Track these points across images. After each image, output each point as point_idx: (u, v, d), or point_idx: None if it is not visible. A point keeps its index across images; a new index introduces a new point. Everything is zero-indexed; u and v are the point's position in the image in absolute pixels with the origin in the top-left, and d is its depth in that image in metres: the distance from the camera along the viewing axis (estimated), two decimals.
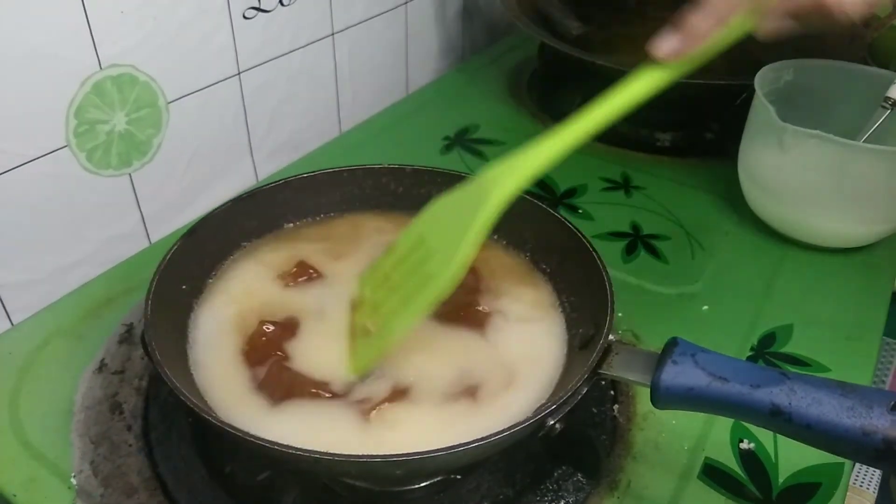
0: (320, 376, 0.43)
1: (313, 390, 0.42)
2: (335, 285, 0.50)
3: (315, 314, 0.48)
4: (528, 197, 0.51)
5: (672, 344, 0.39)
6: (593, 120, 0.41)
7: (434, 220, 0.43)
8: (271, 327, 0.46)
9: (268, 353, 0.44)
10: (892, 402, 0.33)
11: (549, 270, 0.51)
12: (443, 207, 0.43)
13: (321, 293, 0.50)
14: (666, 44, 0.40)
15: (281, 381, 0.42)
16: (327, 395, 0.42)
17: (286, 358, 0.44)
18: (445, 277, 0.40)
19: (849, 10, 0.38)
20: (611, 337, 0.41)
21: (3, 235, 0.52)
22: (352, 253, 0.53)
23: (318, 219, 0.55)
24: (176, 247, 0.46)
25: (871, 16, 0.84)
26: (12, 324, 0.55)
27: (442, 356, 0.45)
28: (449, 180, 0.54)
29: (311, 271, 0.51)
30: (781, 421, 0.35)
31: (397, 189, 0.55)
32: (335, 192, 0.55)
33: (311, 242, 0.53)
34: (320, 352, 0.45)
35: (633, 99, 0.41)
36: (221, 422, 0.36)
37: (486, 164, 0.73)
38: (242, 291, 0.49)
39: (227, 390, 0.43)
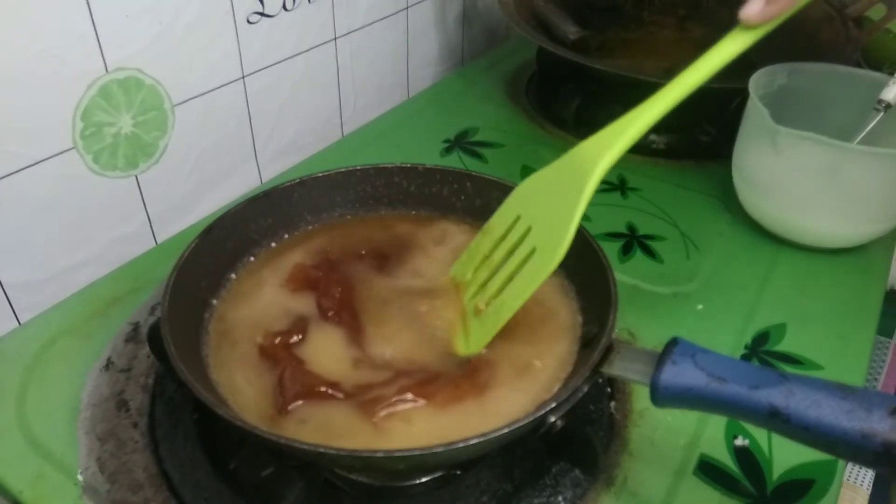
0: (330, 377, 0.44)
1: (323, 390, 0.42)
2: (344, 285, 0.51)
3: (323, 315, 0.48)
4: None
5: (672, 344, 0.39)
6: (685, 86, 0.42)
7: (529, 198, 0.45)
8: (281, 330, 0.46)
9: (279, 355, 0.45)
10: (892, 406, 0.33)
11: (558, 270, 0.51)
12: (537, 184, 0.44)
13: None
14: (752, 8, 0.42)
15: (294, 382, 0.43)
16: (338, 395, 0.42)
17: (298, 360, 0.45)
18: (557, 255, 0.41)
19: None
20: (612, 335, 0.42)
21: (10, 235, 0.53)
22: (364, 252, 0.53)
23: (332, 217, 0.56)
24: (193, 245, 0.47)
25: (865, 18, 0.85)
26: (19, 323, 0.55)
27: (446, 354, 0.46)
28: (459, 179, 0.55)
29: (315, 273, 0.51)
30: (780, 422, 0.35)
31: (409, 188, 0.56)
32: (348, 191, 0.56)
33: (324, 242, 0.54)
34: (330, 353, 0.46)
35: (722, 61, 0.43)
36: (231, 416, 0.37)
37: (485, 166, 0.75)
38: (255, 291, 0.50)
39: (239, 387, 0.43)
